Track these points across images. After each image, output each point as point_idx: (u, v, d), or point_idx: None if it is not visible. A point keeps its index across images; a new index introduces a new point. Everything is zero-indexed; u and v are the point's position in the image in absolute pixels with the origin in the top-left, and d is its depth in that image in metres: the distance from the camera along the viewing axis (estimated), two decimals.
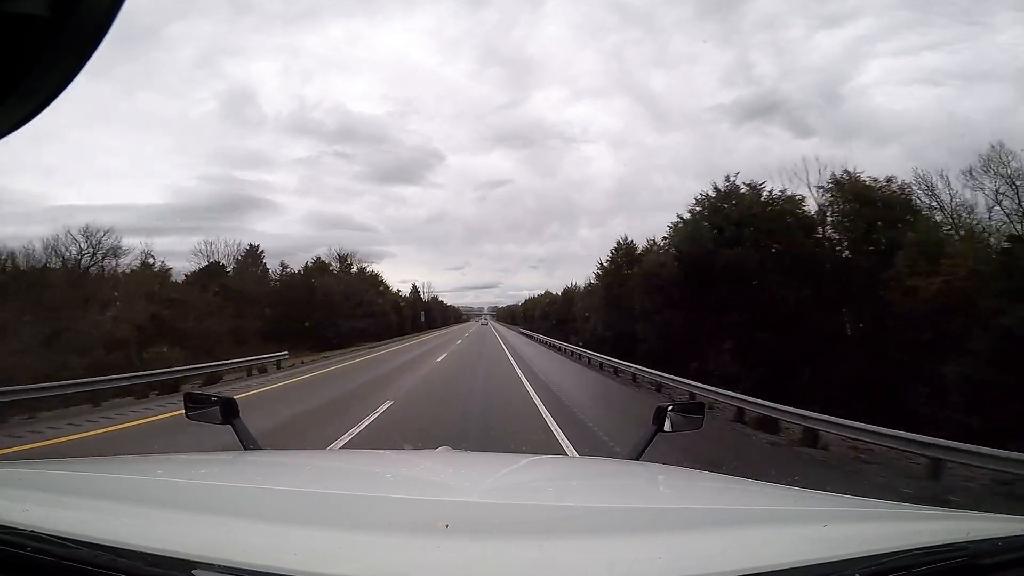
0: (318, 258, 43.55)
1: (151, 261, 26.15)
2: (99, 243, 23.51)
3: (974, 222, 18.16)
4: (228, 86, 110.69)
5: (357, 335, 36.07)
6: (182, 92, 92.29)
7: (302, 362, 20.78)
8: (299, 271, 39.72)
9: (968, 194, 18.28)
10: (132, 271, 24.75)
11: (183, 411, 1.78)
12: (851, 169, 21.06)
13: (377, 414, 9.40)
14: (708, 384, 12.19)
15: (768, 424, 9.42)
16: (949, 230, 18.63)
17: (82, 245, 23.11)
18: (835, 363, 17.98)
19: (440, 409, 10.23)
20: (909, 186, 19.75)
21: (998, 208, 17.42)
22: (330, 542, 0.79)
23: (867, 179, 20.56)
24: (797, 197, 21.89)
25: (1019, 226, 16.80)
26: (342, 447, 6.83)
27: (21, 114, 0.55)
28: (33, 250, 21.64)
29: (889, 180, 20.23)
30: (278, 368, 18.24)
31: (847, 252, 20.65)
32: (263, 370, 17.14)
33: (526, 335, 52.29)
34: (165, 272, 27.14)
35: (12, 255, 20.71)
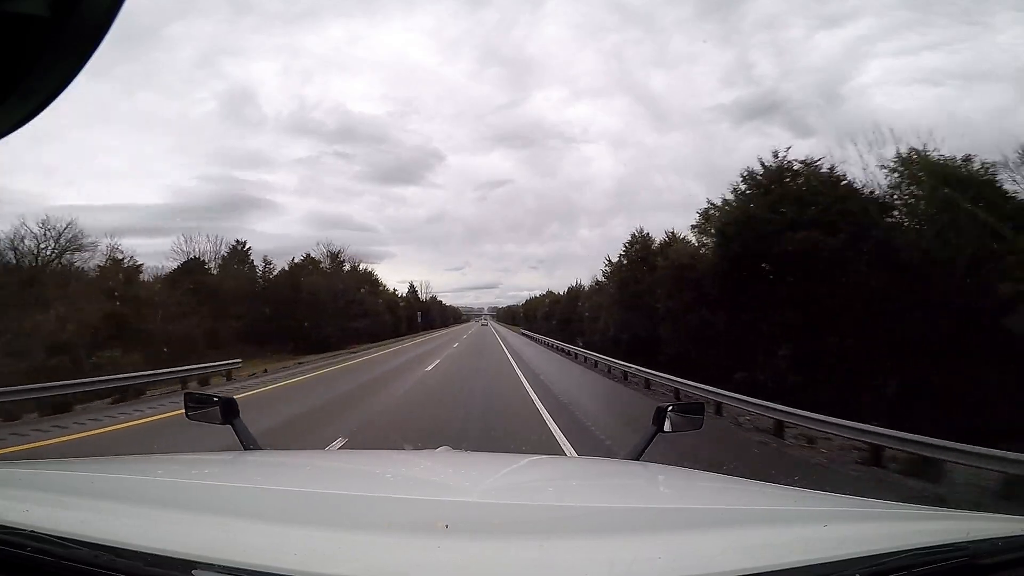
0: (307, 255, 40.86)
1: (120, 257, 24.05)
2: (59, 237, 21.29)
3: None
4: (228, 86, 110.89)
5: (348, 336, 33.91)
6: (182, 92, 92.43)
7: (264, 371, 17.50)
8: (286, 267, 36.76)
9: None
10: (100, 268, 22.82)
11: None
12: (919, 144, 16.39)
13: None
14: (748, 396, 9.79)
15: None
16: None
17: (39, 238, 20.88)
18: (943, 375, 13.34)
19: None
20: (992, 165, 15.40)
21: None
22: (330, 542, 0.79)
23: (939, 156, 16.31)
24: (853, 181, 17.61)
25: None
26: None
27: (21, 114, 0.55)
28: None
29: (967, 159, 15.90)
30: (227, 380, 14.82)
31: (926, 241, 16.01)
32: (204, 382, 13.99)
33: (528, 336, 49.94)
34: (134, 269, 24.83)
35: None
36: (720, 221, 20.83)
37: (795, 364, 16.12)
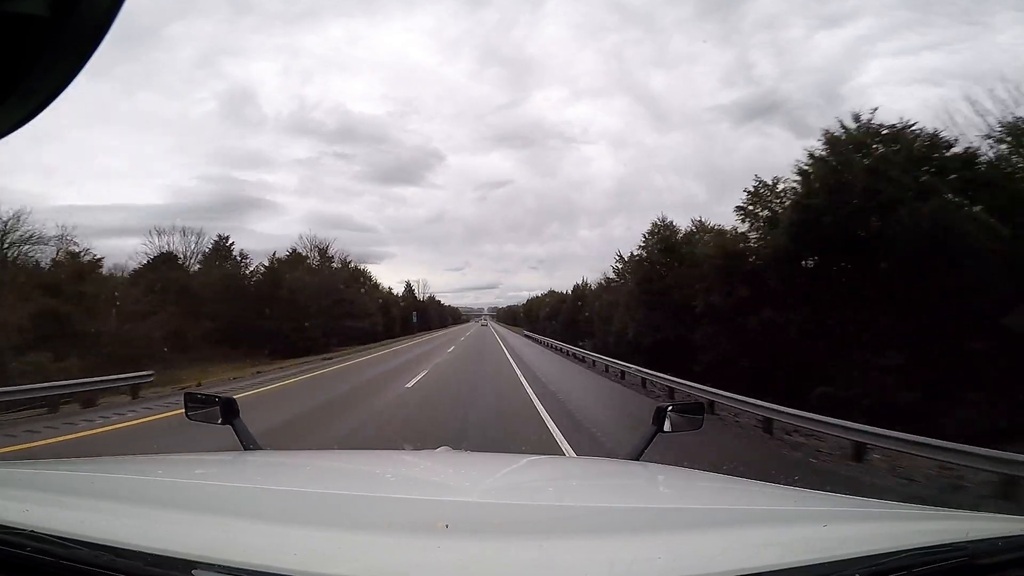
0: (293, 250, 37.56)
1: (76, 250, 21.67)
2: (7, 228, 19.39)
3: None
4: (228, 86, 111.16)
5: (334, 338, 31.34)
6: (182, 92, 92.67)
7: (198, 383, 13.86)
8: (269, 263, 33.17)
9: None
10: (54, 262, 20.75)
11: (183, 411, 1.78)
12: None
13: None
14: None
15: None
16: None
17: None
18: None
19: None
20: None
21: None
22: (330, 542, 0.79)
23: None
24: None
25: None
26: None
27: (21, 114, 0.55)
28: None
29: None
30: (133, 397, 11.46)
31: None
32: (90, 403, 10.49)
33: (531, 338, 45.73)
34: (93, 263, 22.31)
35: None
36: (797, 195, 16.57)
37: (906, 377, 11.96)
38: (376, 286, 51.31)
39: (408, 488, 1.33)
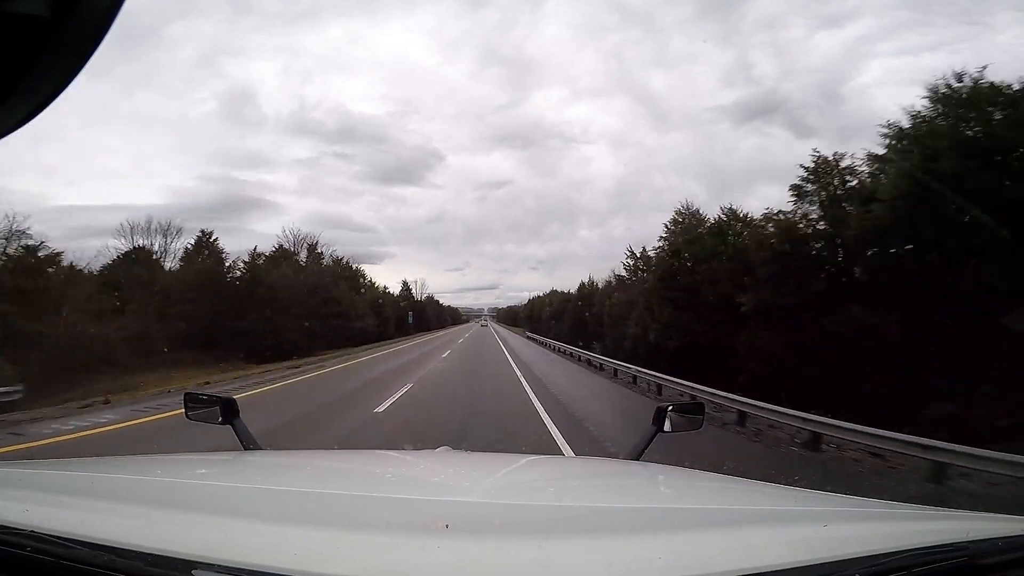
0: (279, 246, 34.52)
1: (30, 243, 19.29)
2: None
3: None
4: (228, 86, 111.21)
5: (319, 340, 28.60)
6: (182, 92, 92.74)
7: (106, 401, 10.90)
8: (250, 258, 30.33)
9: None
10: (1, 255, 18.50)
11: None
12: None
13: None
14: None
15: None
16: None
17: None
18: None
19: None
20: None
21: None
22: (329, 542, 0.79)
23: None
24: None
25: None
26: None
27: (21, 114, 0.55)
28: None
29: None
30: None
31: None
32: None
33: (534, 340, 41.42)
34: (46, 259, 19.87)
35: None
36: (909, 158, 12.90)
37: None
38: (370, 285, 48.97)
39: (408, 488, 1.33)
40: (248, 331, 24.73)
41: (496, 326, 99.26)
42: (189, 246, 29.21)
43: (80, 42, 0.51)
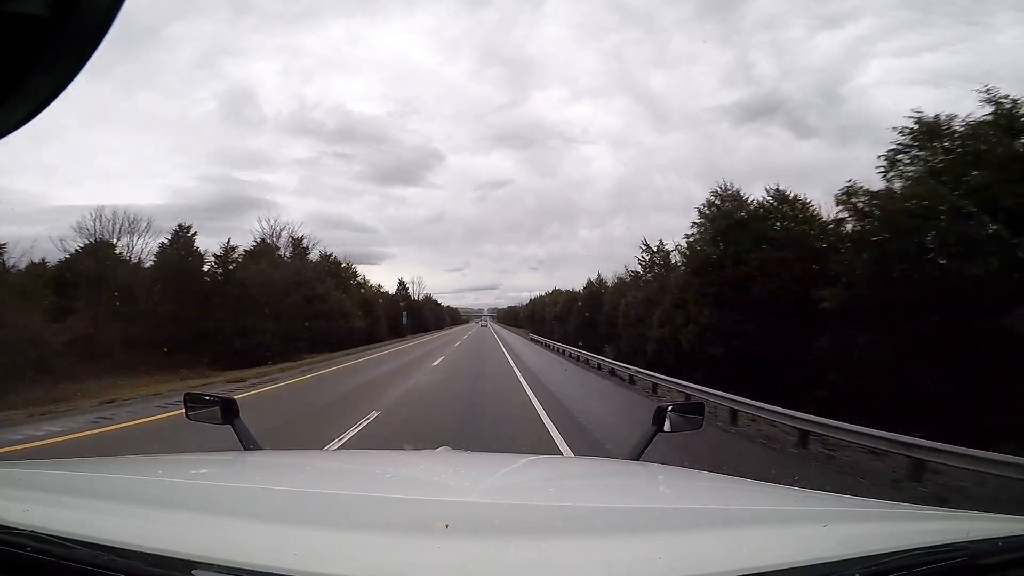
0: (262, 240, 31.49)
1: None
2: None
3: None
4: (228, 86, 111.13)
5: (302, 343, 25.93)
6: (182, 92, 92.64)
7: None
8: (222, 252, 26.95)
9: None
10: None
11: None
12: None
13: None
14: None
15: None
16: None
17: None
18: None
19: None
20: None
21: None
22: (329, 542, 0.79)
23: None
24: None
25: None
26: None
27: (21, 114, 0.55)
28: None
29: None
30: None
31: None
32: None
33: (540, 343, 37.43)
34: None
35: None
36: None
37: None
38: (362, 282, 45.15)
39: (408, 488, 1.33)
40: (214, 333, 21.76)
41: (496, 326, 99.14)
42: (165, 242, 25.84)
43: (80, 42, 0.51)
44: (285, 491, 1.16)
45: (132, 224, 24.62)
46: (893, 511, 1.24)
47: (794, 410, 7.98)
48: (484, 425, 8.61)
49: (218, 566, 0.67)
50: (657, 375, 13.15)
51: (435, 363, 20.09)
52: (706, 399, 9.48)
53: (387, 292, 56.43)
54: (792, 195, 17.88)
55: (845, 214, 14.70)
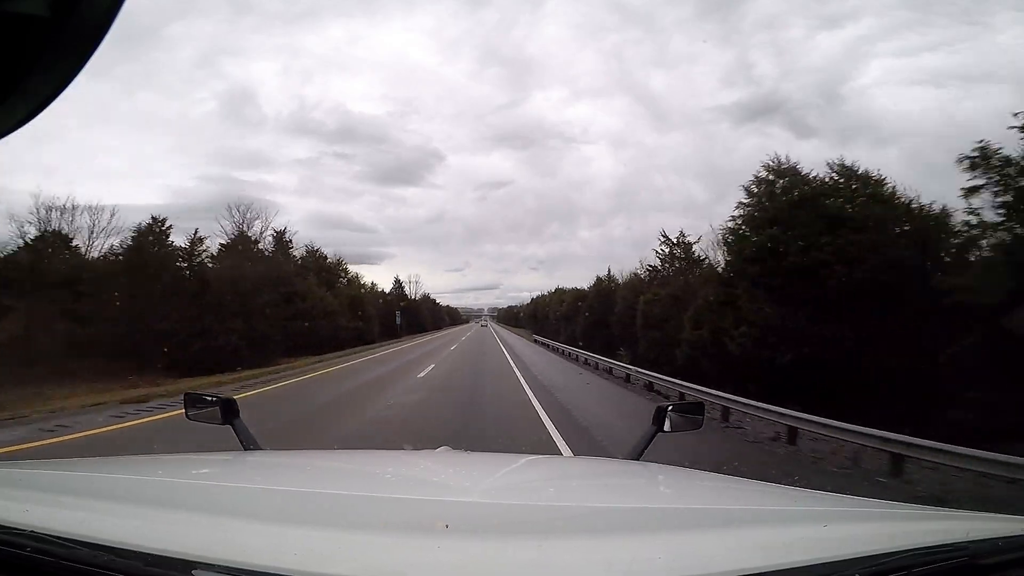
0: (241, 232, 28.72)
1: None
2: None
3: None
4: (228, 86, 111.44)
5: (276, 345, 23.26)
6: (182, 92, 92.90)
7: None
8: (189, 242, 23.02)
9: None
10: None
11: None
12: None
13: None
14: None
15: None
16: None
17: None
18: None
19: None
20: None
21: None
22: (329, 542, 0.79)
23: None
24: None
25: None
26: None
27: (21, 114, 0.55)
28: None
29: None
30: None
31: None
32: None
33: (545, 345, 34.34)
34: None
35: None
36: None
37: None
38: (352, 279, 41.94)
39: (408, 488, 1.33)
40: (170, 335, 18.82)
41: (496, 327, 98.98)
42: (133, 236, 22.57)
43: (80, 42, 0.51)
44: (285, 491, 1.16)
45: (94, 216, 22.19)
46: (893, 511, 1.24)
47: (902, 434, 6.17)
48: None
49: (218, 566, 0.67)
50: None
51: (422, 374, 16.04)
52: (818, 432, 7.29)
53: (382, 291, 53.83)
54: (862, 169, 14.50)
55: (979, 180, 11.78)
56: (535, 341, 40.98)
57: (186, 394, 1.89)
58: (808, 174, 15.57)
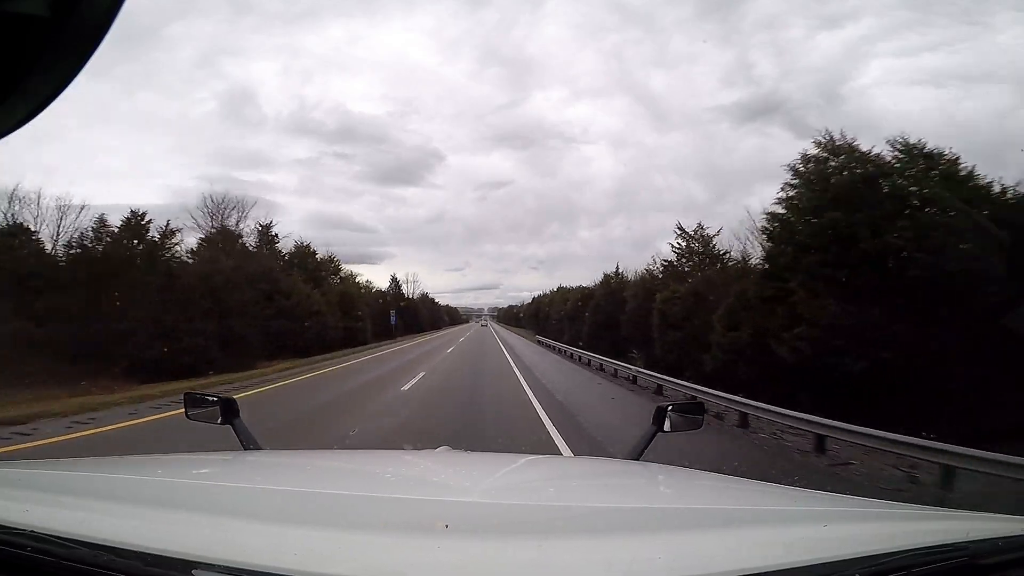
0: (221, 226, 27.54)
1: None
2: None
3: None
4: (228, 86, 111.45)
5: (254, 346, 20.89)
6: (182, 92, 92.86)
7: None
8: (160, 234, 20.34)
9: None
10: None
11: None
12: None
13: None
14: None
15: None
16: None
17: None
18: None
19: None
20: None
21: None
22: (329, 542, 0.79)
23: None
24: None
25: None
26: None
27: (21, 114, 0.55)
28: None
29: None
30: None
31: None
32: None
33: (552, 347, 32.41)
34: None
35: None
36: None
37: None
38: (345, 277, 39.44)
39: (408, 488, 1.33)
40: (129, 335, 16.78)
41: (496, 327, 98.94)
42: (115, 229, 20.17)
43: (80, 42, 0.51)
44: (285, 491, 1.16)
45: (62, 211, 20.14)
46: (893, 511, 1.24)
47: None
48: None
49: (218, 566, 0.67)
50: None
51: (406, 387, 13.07)
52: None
53: (378, 289, 50.98)
54: (929, 149, 12.18)
55: None
56: (538, 343, 38.74)
57: (186, 394, 1.90)
58: (869, 151, 12.91)
